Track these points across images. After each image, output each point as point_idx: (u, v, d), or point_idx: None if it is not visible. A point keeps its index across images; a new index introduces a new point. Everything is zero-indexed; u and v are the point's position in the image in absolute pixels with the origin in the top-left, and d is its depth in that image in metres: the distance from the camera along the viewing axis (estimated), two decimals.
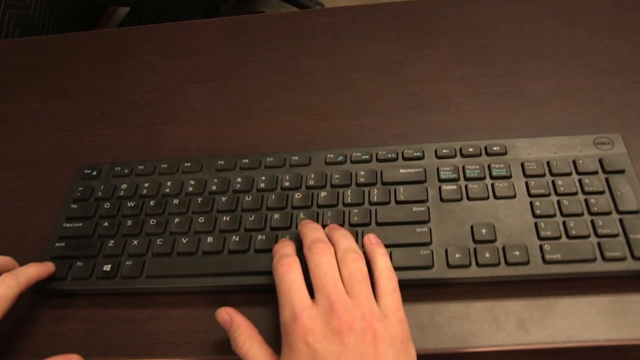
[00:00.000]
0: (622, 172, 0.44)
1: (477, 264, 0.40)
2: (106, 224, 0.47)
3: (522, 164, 0.45)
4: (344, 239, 0.39)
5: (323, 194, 0.46)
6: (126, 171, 0.50)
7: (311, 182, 0.47)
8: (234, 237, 0.44)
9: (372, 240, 0.41)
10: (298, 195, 0.46)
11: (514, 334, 0.39)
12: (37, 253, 0.46)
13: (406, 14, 0.65)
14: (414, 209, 0.44)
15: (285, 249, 0.39)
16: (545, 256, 0.40)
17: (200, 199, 0.47)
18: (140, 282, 0.43)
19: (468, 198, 0.44)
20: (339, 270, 0.37)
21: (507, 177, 0.45)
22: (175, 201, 0.47)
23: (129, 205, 0.48)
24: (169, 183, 0.48)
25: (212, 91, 0.61)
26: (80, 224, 0.47)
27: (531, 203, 0.43)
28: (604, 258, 0.40)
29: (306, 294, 0.36)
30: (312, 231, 0.40)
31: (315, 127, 0.55)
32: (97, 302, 0.44)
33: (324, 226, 0.42)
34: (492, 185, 0.44)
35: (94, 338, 0.42)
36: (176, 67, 0.64)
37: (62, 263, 0.44)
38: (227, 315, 0.38)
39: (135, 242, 0.45)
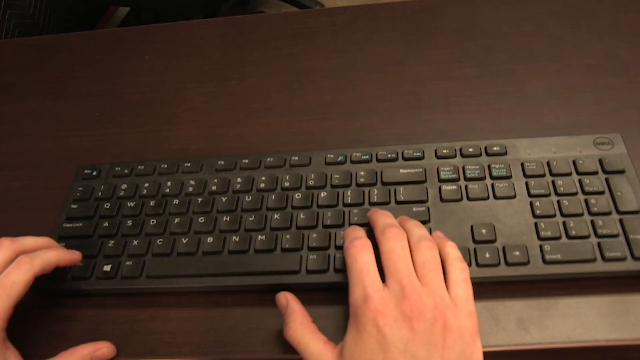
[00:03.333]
0: (622, 172, 0.44)
1: (477, 264, 0.40)
2: (106, 224, 0.47)
3: (522, 164, 0.45)
4: (417, 227, 0.39)
5: (323, 194, 0.46)
6: (126, 171, 0.50)
7: (311, 182, 0.47)
8: (234, 237, 0.44)
9: (440, 235, 0.41)
10: (298, 196, 0.46)
11: (514, 334, 0.39)
12: None
13: (406, 14, 0.65)
14: (414, 209, 0.44)
15: (356, 232, 0.38)
16: (545, 256, 0.40)
17: (200, 199, 0.47)
18: (140, 282, 0.43)
19: (468, 198, 0.44)
20: (412, 257, 0.36)
21: (507, 177, 0.45)
22: (175, 201, 0.47)
23: (129, 205, 0.48)
24: (169, 183, 0.48)
25: (212, 91, 0.61)
26: (80, 224, 0.47)
27: (531, 203, 0.43)
28: (604, 258, 0.40)
29: (378, 276, 0.35)
30: (384, 217, 0.39)
31: (315, 127, 0.55)
32: (97, 302, 0.44)
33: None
34: (492, 185, 0.44)
35: (94, 338, 0.42)
36: (176, 67, 0.64)
37: None
38: (285, 299, 0.39)
39: (135, 242, 0.45)
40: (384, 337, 0.32)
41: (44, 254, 0.41)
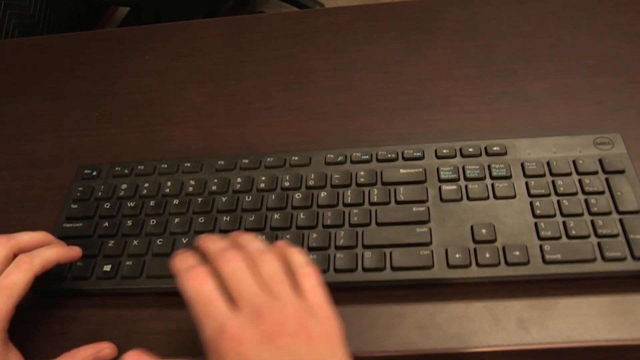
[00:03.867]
0: (622, 172, 0.44)
1: (477, 264, 0.40)
2: (106, 224, 0.47)
3: (522, 164, 0.45)
4: (253, 242, 0.37)
5: (323, 194, 0.46)
6: (126, 171, 0.50)
7: (311, 182, 0.47)
8: None
9: (283, 244, 0.38)
10: (298, 196, 0.46)
11: (514, 334, 0.39)
12: None
13: (406, 14, 0.65)
14: (414, 209, 0.44)
15: (188, 261, 0.35)
16: (545, 256, 0.40)
17: (200, 199, 0.47)
18: (140, 282, 0.43)
19: (468, 198, 0.44)
20: (256, 274, 0.34)
21: (507, 177, 0.45)
22: (175, 201, 0.47)
23: (129, 205, 0.48)
24: (169, 183, 0.48)
25: (212, 91, 0.61)
26: (80, 224, 0.47)
27: (531, 203, 0.43)
28: (604, 258, 0.40)
29: (226, 303, 0.33)
30: (213, 242, 0.37)
31: (315, 127, 0.55)
32: (97, 302, 0.44)
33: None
34: (492, 185, 0.44)
35: (95, 338, 0.42)
36: (176, 67, 0.64)
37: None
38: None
39: (135, 242, 0.45)
40: None
41: (44, 252, 0.41)
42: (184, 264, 0.35)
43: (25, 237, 0.41)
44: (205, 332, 0.32)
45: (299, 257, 0.36)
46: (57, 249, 0.41)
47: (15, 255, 0.40)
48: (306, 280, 0.34)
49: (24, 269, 0.39)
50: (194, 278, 0.34)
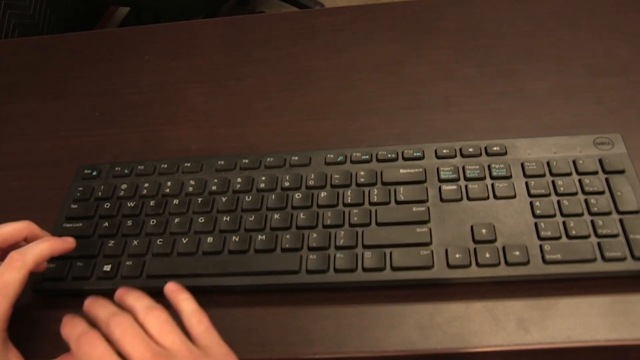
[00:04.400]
0: (622, 172, 0.44)
1: (477, 264, 0.40)
2: (106, 224, 0.47)
3: (522, 164, 0.45)
4: (138, 300, 0.37)
5: (323, 194, 0.46)
6: (126, 171, 0.50)
7: (311, 182, 0.47)
8: (234, 237, 0.44)
9: (172, 288, 0.39)
10: (298, 196, 0.46)
11: (514, 334, 0.39)
12: None
13: (406, 14, 0.65)
14: (414, 209, 0.44)
15: (76, 328, 0.35)
16: (545, 256, 0.40)
17: (200, 199, 0.47)
18: (140, 282, 0.43)
19: (468, 198, 0.44)
20: (146, 331, 0.35)
21: (507, 177, 0.45)
22: (175, 201, 0.47)
23: (129, 205, 0.48)
24: (169, 183, 0.48)
25: (212, 91, 0.61)
26: (80, 224, 0.47)
27: (531, 203, 0.43)
28: (604, 258, 0.40)
29: None
30: (102, 308, 0.37)
31: (315, 127, 0.55)
32: None
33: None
34: (492, 185, 0.44)
35: None
36: (176, 67, 0.64)
37: (62, 263, 0.44)
38: None
39: (135, 242, 0.45)
40: None
41: (35, 247, 0.39)
42: (75, 330, 0.35)
43: (8, 229, 0.40)
44: None
45: (187, 305, 0.37)
46: (50, 242, 0.40)
47: (0, 249, 0.40)
48: (195, 327, 0.36)
49: (16, 267, 0.38)
50: (84, 344, 0.34)
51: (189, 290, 0.43)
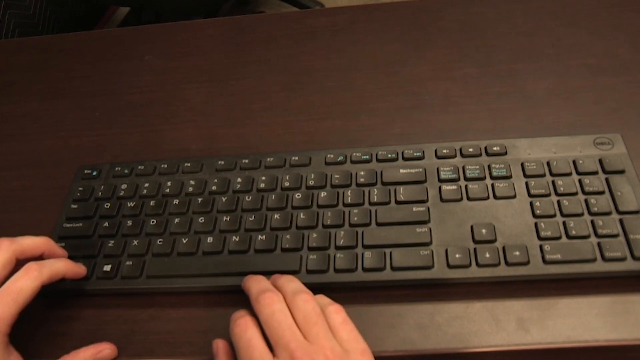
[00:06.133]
0: (622, 172, 0.44)
1: (477, 264, 0.40)
2: (106, 224, 0.47)
3: (522, 164, 0.45)
4: (290, 282, 0.39)
5: (323, 194, 0.46)
6: (126, 171, 0.50)
7: (311, 182, 0.47)
8: (234, 237, 0.44)
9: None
10: (298, 195, 0.46)
11: (514, 334, 0.39)
12: None
13: (406, 14, 0.65)
14: (414, 209, 0.44)
15: (238, 312, 0.39)
16: (545, 256, 0.40)
17: (200, 199, 0.47)
18: (140, 282, 0.43)
19: (468, 198, 0.44)
20: (292, 314, 0.36)
21: (507, 177, 0.45)
22: (175, 201, 0.47)
23: (129, 205, 0.48)
24: (169, 183, 0.48)
25: (212, 91, 0.61)
26: (80, 224, 0.47)
27: (531, 203, 0.43)
28: (604, 258, 0.40)
29: (265, 349, 0.35)
30: (255, 283, 0.39)
31: (315, 127, 0.55)
32: (97, 302, 0.44)
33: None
34: (492, 185, 0.44)
35: (94, 338, 0.42)
36: (176, 67, 0.64)
37: None
38: (216, 347, 0.39)
39: (135, 242, 0.45)
40: None
41: (54, 264, 0.41)
42: (235, 315, 0.38)
43: (28, 242, 0.41)
44: None
45: (322, 298, 0.38)
46: (65, 263, 0.42)
47: (17, 259, 0.40)
48: (333, 318, 0.36)
49: (32, 277, 0.39)
50: (238, 325, 0.37)
51: (189, 291, 0.44)
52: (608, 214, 0.42)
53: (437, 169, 0.46)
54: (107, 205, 0.48)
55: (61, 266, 0.41)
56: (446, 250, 0.41)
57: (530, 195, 0.44)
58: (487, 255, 0.41)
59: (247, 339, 0.35)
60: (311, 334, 0.35)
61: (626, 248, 0.40)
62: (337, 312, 0.37)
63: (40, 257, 0.42)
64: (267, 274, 0.42)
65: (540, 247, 0.41)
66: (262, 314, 0.36)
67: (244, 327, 0.36)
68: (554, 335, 0.38)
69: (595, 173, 0.44)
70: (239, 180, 0.48)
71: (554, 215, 0.42)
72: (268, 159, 0.49)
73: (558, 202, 0.43)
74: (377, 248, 0.42)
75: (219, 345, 0.39)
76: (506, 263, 0.40)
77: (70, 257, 0.45)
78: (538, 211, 0.42)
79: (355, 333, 0.36)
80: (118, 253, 0.45)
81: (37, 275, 0.39)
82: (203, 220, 0.46)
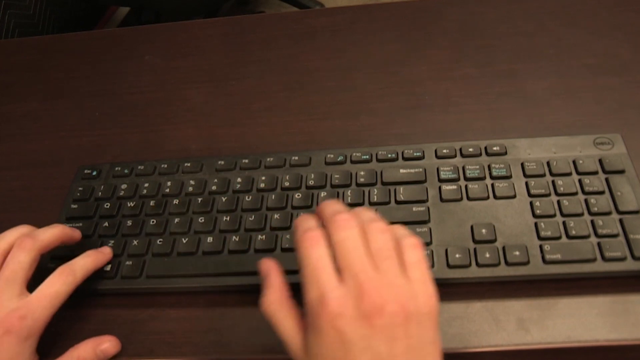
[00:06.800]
0: (622, 172, 0.44)
1: (477, 264, 0.40)
2: (106, 224, 0.47)
3: (522, 164, 0.45)
4: (367, 211, 0.36)
5: (323, 194, 0.46)
6: (126, 171, 0.50)
7: (311, 182, 0.47)
8: (234, 237, 0.44)
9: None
10: (298, 195, 0.46)
11: (514, 334, 0.39)
12: None
13: (406, 14, 0.65)
14: (414, 209, 0.44)
15: (308, 222, 0.35)
16: (545, 256, 0.40)
17: (200, 199, 0.47)
18: (140, 282, 0.43)
19: (468, 198, 0.44)
20: (366, 245, 0.34)
21: (507, 177, 0.45)
22: (175, 201, 0.47)
23: (129, 205, 0.48)
24: (169, 183, 0.48)
25: (212, 91, 0.61)
26: (80, 224, 0.47)
27: (531, 203, 0.43)
28: (604, 258, 0.40)
29: (333, 272, 0.33)
30: (332, 204, 0.36)
31: (315, 127, 0.55)
32: (97, 302, 0.44)
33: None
34: (492, 185, 0.44)
35: None
36: (176, 67, 0.64)
37: (62, 263, 0.44)
38: (266, 269, 0.37)
39: (135, 242, 0.45)
40: (344, 337, 0.31)
41: (84, 265, 0.42)
42: (304, 224, 0.35)
43: (47, 236, 0.42)
44: (308, 296, 0.33)
45: (401, 230, 0.36)
46: (93, 258, 0.43)
47: (39, 255, 0.42)
48: (409, 254, 0.34)
49: (68, 281, 0.40)
50: (307, 239, 0.34)
51: (189, 291, 0.44)
52: (608, 214, 0.42)
53: (437, 169, 0.46)
54: (107, 205, 0.48)
55: (89, 261, 0.42)
56: (446, 250, 0.41)
57: (530, 195, 0.44)
58: (487, 255, 0.41)
59: (316, 257, 0.33)
60: (382, 267, 0.33)
61: (626, 248, 0.40)
62: (414, 248, 0.34)
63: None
64: None
65: (540, 247, 0.41)
66: (335, 236, 0.34)
67: (314, 243, 0.34)
68: (554, 335, 0.38)
69: (595, 173, 0.44)
70: (239, 180, 0.48)
71: (554, 215, 0.42)
72: (268, 159, 0.49)
73: (558, 202, 0.43)
74: None
75: (270, 265, 0.37)
76: (506, 263, 0.40)
77: (70, 258, 0.44)
78: (538, 211, 0.42)
79: (426, 275, 0.33)
80: (118, 253, 0.45)
81: (71, 279, 0.40)
82: (203, 220, 0.46)
